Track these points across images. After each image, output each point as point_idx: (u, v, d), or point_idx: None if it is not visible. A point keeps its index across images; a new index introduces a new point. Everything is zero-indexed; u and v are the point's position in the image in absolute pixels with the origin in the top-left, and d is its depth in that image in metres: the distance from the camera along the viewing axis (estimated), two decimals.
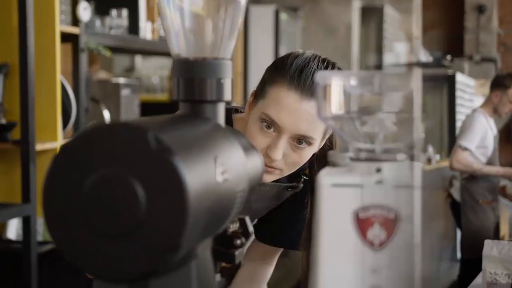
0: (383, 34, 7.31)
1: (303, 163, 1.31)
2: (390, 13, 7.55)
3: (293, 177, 1.41)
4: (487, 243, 1.99)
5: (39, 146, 2.49)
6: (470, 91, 7.30)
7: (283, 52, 5.54)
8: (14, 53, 2.48)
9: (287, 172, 1.31)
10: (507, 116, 8.33)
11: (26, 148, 2.38)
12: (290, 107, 1.25)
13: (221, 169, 0.70)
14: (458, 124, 7.07)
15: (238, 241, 0.89)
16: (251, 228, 0.94)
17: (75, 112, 2.70)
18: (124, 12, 3.17)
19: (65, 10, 2.74)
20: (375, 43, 7.35)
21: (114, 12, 3.13)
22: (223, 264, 0.96)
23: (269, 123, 1.26)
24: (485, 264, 1.92)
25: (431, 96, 6.29)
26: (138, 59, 6.13)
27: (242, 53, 4.84)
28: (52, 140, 2.59)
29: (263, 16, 5.43)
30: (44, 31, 2.57)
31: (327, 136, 1.35)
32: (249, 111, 1.33)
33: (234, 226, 0.92)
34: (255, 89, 1.34)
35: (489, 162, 4.42)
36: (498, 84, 4.40)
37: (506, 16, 9.32)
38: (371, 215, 0.69)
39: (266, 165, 1.27)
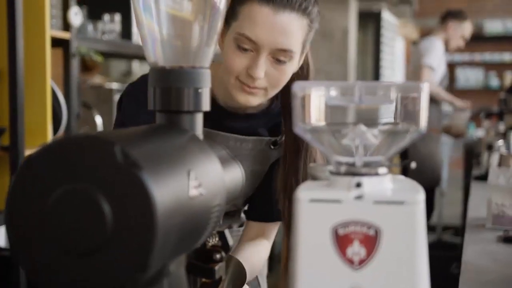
0: (381, 39, 7.31)
1: (285, 81, 1.28)
2: (387, 18, 7.55)
3: (274, 132, 1.39)
4: (493, 171, 1.84)
5: (28, 152, 2.45)
6: (393, 30, 7.52)
7: None
8: (3, 58, 2.45)
9: (271, 92, 1.29)
10: None
11: (15, 155, 2.35)
12: (264, 22, 1.21)
13: (195, 183, 0.67)
14: (383, 63, 7.27)
15: (218, 256, 0.86)
16: (231, 241, 0.91)
17: (66, 117, 2.67)
18: (117, 17, 3.14)
19: (56, 15, 2.71)
20: (372, 47, 7.35)
21: (106, 16, 3.10)
22: (203, 280, 0.93)
23: (245, 43, 1.23)
24: (491, 194, 1.77)
25: (359, 32, 6.41)
26: (135, 64, 6.10)
27: None
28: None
29: None
30: (34, 36, 2.53)
31: (305, 51, 1.32)
32: (222, 40, 1.29)
33: (213, 240, 0.89)
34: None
35: (440, 83, 4.56)
36: (454, 15, 4.53)
37: None
38: (350, 231, 0.66)
39: (249, 86, 1.25)
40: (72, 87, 2.74)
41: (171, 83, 0.77)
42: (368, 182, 0.67)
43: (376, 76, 7.43)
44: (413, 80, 4.48)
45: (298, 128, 0.70)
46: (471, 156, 4.65)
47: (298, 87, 0.69)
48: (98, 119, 3.06)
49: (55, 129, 2.64)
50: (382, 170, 0.69)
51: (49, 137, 2.57)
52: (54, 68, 2.67)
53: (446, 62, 4.73)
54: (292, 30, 1.23)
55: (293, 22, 1.23)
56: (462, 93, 9.77)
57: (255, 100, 1.28)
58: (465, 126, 5.14)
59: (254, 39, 1.22)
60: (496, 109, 4.64)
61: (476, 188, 2.68)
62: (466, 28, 4.57)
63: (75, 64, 2.77)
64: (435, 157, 4.46)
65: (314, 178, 0.75)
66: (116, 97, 3.14)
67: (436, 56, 4.45)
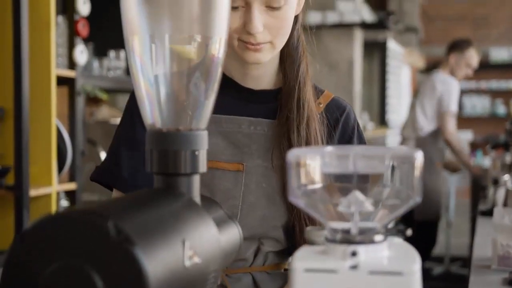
0: (386, 68, 7.33)
1: (289, 27, 1.20)
2: (393, 46, 7.58)
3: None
4: (497, 210, 1.80)
5: (33, 192, 2.46)
6: (399, 59, 7.55)
7: None
8: (9, 97, 2.47)
9: (279, 43, 1.21)
10: None
11: (20, 194, 2.35)
12: None
13: (190, 253, 0.67)
14: (389, 92, 7.28)
15: None
16: None
17: (70, 155, 2.68)
18: (122, 54, 3.17)
19: (61, 53, 2.73)
20: (378, 76, 7.38)
21: (112, 53, 3.12)
22: None
23: (233, 1, 1.14)
24: (496, 234, 1.72)
25: (364, 61, 6.42)
26: None
27: None
28: (47, 185, 2.57)
29: None
30: (40, 75, 2.56)
31: None
32: None
33: None
34: None
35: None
36: (455, 46, 4.58)
37: None
38: None
39: (252, 44, 1.17)
40: (77, 124, 2.75)
41: (168, 145, 0.77)
42: (363, 251, 0.67)
43: (382, 105, 7.45)
44: (426, 119, 4.47)
45: (293, 195, 0.70)
46: (478, 187, 4.63)
47: (292, 155, 0.69)
48: (103, 155, 3.07)
49: (60, 167, 2.64)
50: (378, 237, 0.69)
51: (54, 176, 2.58)
52: (59, 105, 2.69)
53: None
54: None
55: None
56: (468, 121, 9.80)
57: (264, 56, 1.20)
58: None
59: None
60: (503, 137, 4.63)
61: (482, 225, 2.66)
62: (469, 57, 4.58)
63: (80, 102, 2.78)
64: (438, 190, 4.46)
65: (310, 242, 0.74)
66: None
67: (456, 99, 4.46)
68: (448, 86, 4.50)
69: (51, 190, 2.57)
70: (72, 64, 2.76)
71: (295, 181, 0.70)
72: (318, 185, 0.70)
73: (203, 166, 0.79)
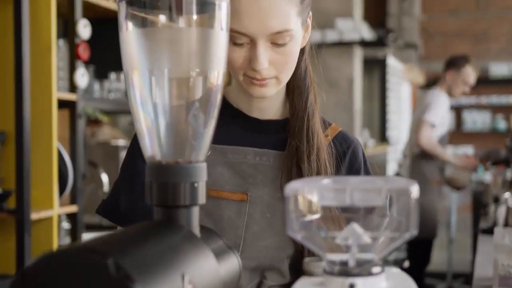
0: (386, 84, 7.35)
1: (294, 62, 1.20)
2: (392, 63, 7.61)
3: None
4: (498, 230, 1.79)
5: (34, 215, 2.47)
6: (399, 75, 7.58)
7: None
8: (10, 121, 2.49)
9: (285, 78, 1.20)
10: None
11: (21, 218, 2.36)
12: (248, 10, 1.12)
13: (189, 287, 0.68)
14: (389, 108, 7.29)
15: None
16: None
17: (72, 178, 2.68)
18: (123, 76, 3.19)
19: (62, 76, 2.75)
20: (378, 93, 7.40)
21: (112, 75, 3.14)
22: None
23: (238, 38, 1.14)
24: (497, 255, 1.72)
25: (364, 78, 6.43)
26: None
27: None
28: (48, 208, 2.57)
29: None
30: (41, 99, 2.57)
31: (308, 22, 1.24)
32: None
33: None
34: None
35: (441, 141, 4.52)
36: (451, 63, 4.56)
37: (428, 2, 9.57)
38: None
39: (257, 79, 1.17)
40: (78, 147, 2.76)
41: (167, 178, 0.78)
42: (361, 283, 0.68)
43: (383, 121, 7.47)
44: (414, 133, 4.49)
45: (291, 227, 0.71)
46: (479, 203, 4.63)
47: (290, 188, 0.70)
48: (104, 177, 3.08)
49: (61, 190, 2.65)
50: (376, 269, 0.69)
51: (55, 199, 2.59)
52: (60, 128, 2.70)
53: (448, 122, 4.73)
54: (280, 8, 1.14)
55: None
56: (469, 136, 9.82)
57: (269, 91, 1.20)
58: (466, 179, 5.12)
59: (244, 31, 1.13)
60: (504, 153, 4.63)
61: (483, 243, 2.66)
62: (466, 74, 4.58)
63: (81, 124, 2.80)
64: (433, 208, 4.44)
65: (309, 273, 0.75)
66: (122, 154, 3.17)
67: (438, 113, 4.45)
68: (435, 98, 4.51)
69: (52, 213, 2.58)
70: (73, 87, 2.77)
71: (293, 214, 0.71)
72: (316, 218, 0.71)
73: (202, 198, 0.80)
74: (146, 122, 0.81)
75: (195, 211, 0.80)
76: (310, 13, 1.24)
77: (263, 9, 1.12)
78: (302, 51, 1.26)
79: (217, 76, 0.81)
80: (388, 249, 0.71)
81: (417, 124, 4.48)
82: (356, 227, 0.69)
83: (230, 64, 1.17)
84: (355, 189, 0.68)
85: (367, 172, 1.33)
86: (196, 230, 0.79)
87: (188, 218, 0.79)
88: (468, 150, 9.77)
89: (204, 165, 0.81)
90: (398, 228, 0.70)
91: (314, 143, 1.26)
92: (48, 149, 2.55)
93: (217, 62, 0.80)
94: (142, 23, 0.81)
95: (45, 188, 2.55)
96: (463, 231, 6.20)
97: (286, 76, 1.21)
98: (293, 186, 0.71)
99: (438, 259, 5.49)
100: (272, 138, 1.29)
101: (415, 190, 0.67)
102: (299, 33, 1.19)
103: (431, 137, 4.40)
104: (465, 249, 5.82)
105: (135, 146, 1.29)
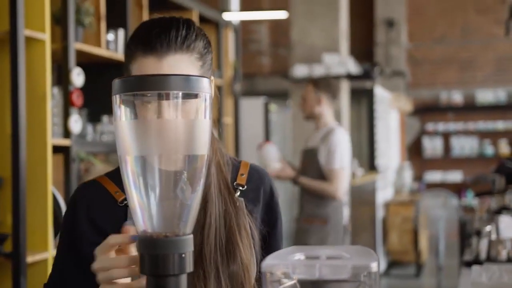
0: (374, 114, 7.48)
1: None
2: (380, 93, 7.74)
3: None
4: (475, 269, 1.86)
5: (30, 258, 2.54)
6: (387, 103, 7.70)
7: (274, 140, 5.67)
8: (7, 166, 2.57)
9: None
10: (415, 131, 8.80)
11: (17, 262, 2.44)
12: (152, 72, 1.18)
13: None
14: (377, 137, 7.39)
15: None
16: None
17: None
18: None
19: (57, 122, 2.85)
20: (366, 122, 7.52)
21: (105, 118, 3.24)
22: None
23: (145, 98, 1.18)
24: None
25: (352, 108, 6.50)
26: None
27: (233, 144, 4.95)
28: (43, 250, 2.65)
29: (253, 108, 5.61)
30: (37, 145, 2.66)
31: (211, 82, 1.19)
32: None
33: None
34: None
35: None
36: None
37: (415, 30, 9.78)
38: None
39: None
40: (72, 190, 2.85)
41: (157, 250, 0.89)
42: None
43: (371, 150, 7.58)
44: None
45: None
46: (465, 232, 4.71)
47: (266, 266, 0.80)
48: None
49: (56, 232, 2.73)
50: None
51: (50, 241, 2.67)
52: (55, 173, 2.79)
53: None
54: (181, 71, 1.20)
55: (179, 63, 1.20)
56: (457, 162, 9.95)
57: None
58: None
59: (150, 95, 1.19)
60: (491, 178, 4.67)
61: (465, 278, 2.73)
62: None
63: (74, 168, 2.89)
64: None
65: None
66: None
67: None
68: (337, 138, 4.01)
69: (47, 255, 2.66)
70: (67, 133, 2.87)
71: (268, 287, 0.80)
72: None
73: (189, 267, 0.90)
74: (138, 200, 0.91)
75: (183, 279, 0.90)
76: (213, 78, 1.27)
77: (166, 71, 1.18)
78: None
79: (203, 156, 0.92)
80: None
81: None
82: None
83: None
84: (323, 266, 0.78)
85: (276, 205, 1.38)
86: None
87: (177, 285, 0.89)
88: (456, 175, 9.89)
89: (190, 237, 0.91)
90: None
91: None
92: (44, 194, 2.64)
93: (202, 146, 0.91)
94: (134, 115, 0.92)
95: (41, 231, 2.63)
96: (452, 256, 6.28)
97: None
98: (270, 263, 0.80)
99: (427, 287, 5.56)
100: None
101: (374, 267, 0.77)
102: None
103: None
104: (454, 275, 5.89)
105: (78, 206, 1.34)
